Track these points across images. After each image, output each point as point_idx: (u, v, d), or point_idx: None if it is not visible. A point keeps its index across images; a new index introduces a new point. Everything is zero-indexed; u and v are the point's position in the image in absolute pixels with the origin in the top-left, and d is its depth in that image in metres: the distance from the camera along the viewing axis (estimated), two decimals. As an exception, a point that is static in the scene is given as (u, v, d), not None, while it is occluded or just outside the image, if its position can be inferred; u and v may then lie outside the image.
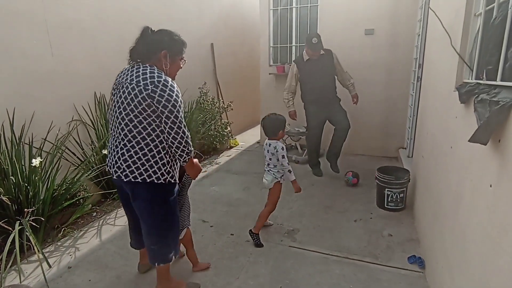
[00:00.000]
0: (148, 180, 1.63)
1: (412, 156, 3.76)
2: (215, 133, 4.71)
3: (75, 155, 3.01)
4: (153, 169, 1.63)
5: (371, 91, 4.41)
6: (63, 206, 2.60)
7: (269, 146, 2.41)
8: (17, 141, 2.46)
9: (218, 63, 5.34)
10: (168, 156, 1.67)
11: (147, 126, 1.58)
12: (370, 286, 2.00)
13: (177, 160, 1.73)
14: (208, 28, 5.06)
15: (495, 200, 1.09)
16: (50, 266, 2.24)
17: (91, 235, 2.67)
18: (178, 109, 1.57)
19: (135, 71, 1.60)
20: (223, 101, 5.09)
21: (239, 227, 2.74)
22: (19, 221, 2.13)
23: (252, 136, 5.99)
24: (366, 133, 4.60)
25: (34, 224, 2.21)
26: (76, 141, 3.03)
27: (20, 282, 2.02)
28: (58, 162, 2.66)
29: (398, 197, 2.88)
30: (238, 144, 5.42)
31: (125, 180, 1.64)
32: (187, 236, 2.09)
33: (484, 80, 1.37)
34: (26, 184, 2.32)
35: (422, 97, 3.06)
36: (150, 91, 1.52)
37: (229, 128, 5.00)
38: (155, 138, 1.61)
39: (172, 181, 1.72)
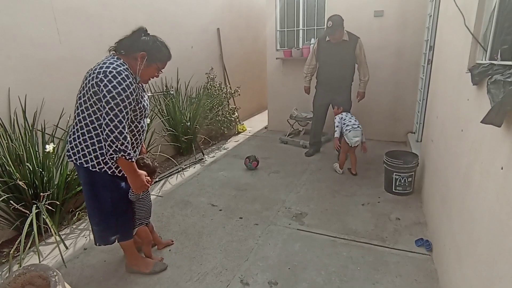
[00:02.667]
0: (84, 166, 1.69)
1: (421, 141, 3.72)
2: (223, 118, 4.72)
3: (86, 141, 3.06)
4: (90, 156, 1.68)
5: (379, 75, 4.34)
6: (76, 190, 2.67)
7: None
8: (30, 127, 2.51)
9: (225, 48, 5.29)
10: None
11: (91, 113, 1.62)
12: (377, 268, 2.04)
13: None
14: (214, 13, 4.99)
15: (506, 182, 1.09)
16: (66, 248, 2.33)
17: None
18: (117, 102, 1.54)
19: (103, 60, 1.64)
20: (230, 87, 5.07)
21: (248, 211, 2.79)
22: (35, 205, 2.20)
23: (259, 121, 5.99)
24: (374, 117, 4.56)
25: (50, 207, 2.29)
26: (87, 128, 3.08)
27: (39, 262, 2.11)
28: (70, 148, 2.71)
29: (406, 181, 2.88)
30: (245, 130, 5.43)
31: (68, 160, 1.76)
32: (141, 234, 2.08)
33: (498, 61, 1.34)
34: (40, 170, 2.38)
35: (433, 80, 3.00)
36: (98, 79, 1.54)
37: (236, 114, 5.00)
38: (98, 127, 1.64)
39: (109, 172, 1.73)
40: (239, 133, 5.31)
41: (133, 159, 1.65)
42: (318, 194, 3.06)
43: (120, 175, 1.78)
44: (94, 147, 1.67)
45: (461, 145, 1.70)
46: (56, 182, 2.49)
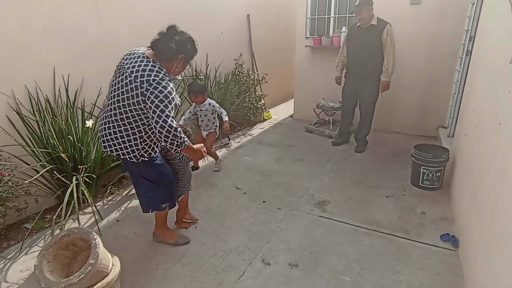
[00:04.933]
0: (121, 157, 1.83)
1: (453, 136, 3.59)
2: (249, 105, 4.76)
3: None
4: (126, 150, 1.80)
5: (410, 65, 4.18)
6: (110, 166, 2.84)
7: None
8: (72, 105, 2.68)
9: (254, 35, 5.29)
10: (143, 144, 1.81)
11: (132, 115, 1.71)
12: (399, 259, 2.03)
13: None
14: (245, -2, 4.98)
15: (544, 175, 1.06)
16: (102, 218, 2.50)
17: (134, 194, 2.91)
18: (166, 104, 1.62)
19: (138, 63, 1.69)
20: (257, 74, 5.08)
21: (271, 195, 2.84)
22: (75, 176, 2.37)
23: (285, 110, 5.98)
24: (403, 110, 4.43)
25: (87, 180, 2.46)
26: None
27: (77, 230, 2.29)
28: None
29: (435, 176, 2.81)
30: (271, 117, 5.45)
31: (104, 150, 1.89)
32: (183, 201, 2.32)
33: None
34: (80, 144, 2.55)
35: (471, 72, 2.87)
36: (144, 89, 1.62)
37: (263, 101, 5.03)
38: (135, 127, 1.75)
39: (141, 159, 1.85)
40: (264, 120, 5.34)
41: (188, 144, 1.78)
42: (341, 183, 3.06)
43: (152, 156, 1.89)
44: (130, 143, 1.78)
45: (497, 139, 1.64)
46: (92, 157, 2.65)
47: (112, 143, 1.81)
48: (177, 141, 1.69)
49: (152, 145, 1.87)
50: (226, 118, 3.24)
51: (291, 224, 2.42)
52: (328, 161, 3.60)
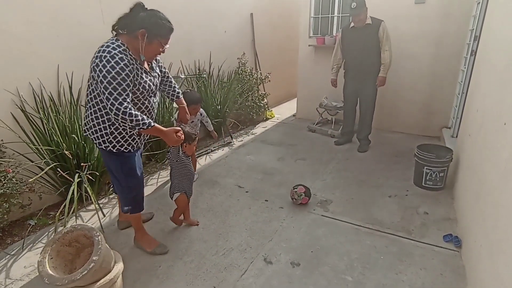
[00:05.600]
0: (95, 142, 1.81)
1: (457, 136, 3.57)
2: (252, 104, 4.77)
3: (123, 118, 3.23)
4: (96, 135, 1.77)
5: (414, 65, 4.16)
6: (113, 164, 2.84)
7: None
8: (75, 102, 2.69)
9: (257, 34, 5.28)
10: (112, 127, 1.74)
11: (96, 96, 1.68)
12: (401, 259, 2.03)
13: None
14: (248, -3, 4.97)
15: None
16: (104, 215, 2.52)
17: (137, 192, 2.92)
18: (113, 86, 1.55)
19: (102, 44, 1.65)
20: (261, 73, 5.08)
21: (273, 194, 2.84)
22: (78, 174, 2.39)
23: (288, 109, 5.98)
24: (406, 109, 4.40)
25: (90, 177, 2.47)
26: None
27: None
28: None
29: (438, 176, 2.80)
30: (274, 116, 5.45)
31: (84, 134, 1.91)
32: (179, 202, 2.25)
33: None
34: (83, 142, 2.56)
35: (475, 72, 2.85)
36: (95, 64, 1.58)
37: (265, 100, 5.03)
38: (102, 108, 1.70)
39: (114, 151, 1.80)
40: (267, 119, 5.34)
41: (151, 124, 1.68)
42: (344, 183, 3.05)
43: (127, 151, 1.84)
44: (99, 127, 1.75)
45: (502, 139, 1.63)
46: (96, 155, 2.67)
47: (88, 127, 1.81)
48: (128, 124, 1.61)
49: (124, 134, 1.79)
50: (211, 128, 3.20)
51: (293, 223, 2.42)
52: (330, 160, 3.60)
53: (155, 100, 1.92)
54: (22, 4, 2.33)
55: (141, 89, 1.74)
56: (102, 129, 1.75)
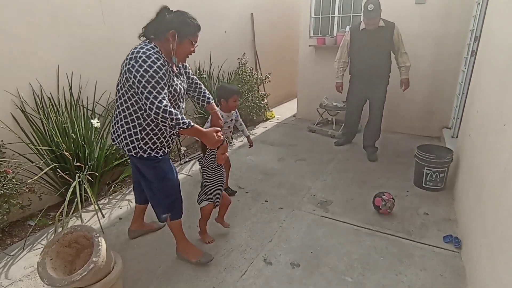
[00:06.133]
0: (125, 149, 1.76)
1: (457, 137, 3.57)
2: (252, 104, 4.76)
3: (123, 119, 3.23)
4: (126, 141, 1.73)
5: (415, 66, 4.11)
6: (113, 165, 2.85)
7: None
8: (75, 103, 2.69)
9: (257, 34, 5.28)
10: (143, 133, 1.71)
11: (127, 99, 1.66)
12: (401, 259, 2.03)
13: (167, 133, 1.78)
14: (249, -3, 4.97)
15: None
16: (103, 216, 2.52)
17: (137, 192, 2.92)
18: (153, 85, 1.53)
19: (134, 47, 1.64)
20: (261, 73, 5.08)
21: (273, 194, 2.84)
22: (78, 175, 2.39)
23: (288, 109, 5.97)
24: (407, 110, 4.40)
25: (90, 178, 2.47)
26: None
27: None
28: (109, 125, 2.88)
29: (438, 176, 2.79)
30: (274, 117, 5.45)
31: (112, 143, 1.86)
32: (204, 210, 2.13)
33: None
34: (83, 143, 2.56)
35: (476, 73, 2.85)
36: (130, 65, 1.56)
37: (266, 100, 5.02)
38: (133, 113, 1.68)
39: (145, 156, 1.75)
40: (267, 119, 5.34)
41: (191, 124, 1.63)
42: (344, 183, 3.05)
43: (158, 155, 1.79)
44: (130, 132, 1.71)
45: (502, 140, 1.63)
46: (96, 155, 2.67)
47: (117, 135, 1.77)
48: (168, 123, 1.57)
49: (154, 139, 1.75)
50: (247, 133, 2.85)
51: (293, 223, 2.42)
52: (331, 160, 3.59)
53: (183, 106, 1.88)
54: (22, 4, 2.33)
55: (173, 92, 1.71)
56: (133, 134, 1.71)
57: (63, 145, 2.43)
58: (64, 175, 2.33)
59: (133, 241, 2.24)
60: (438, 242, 2.18)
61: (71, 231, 1.55)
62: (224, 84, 2.66)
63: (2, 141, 2.26)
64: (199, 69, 4.16)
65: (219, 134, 1.77)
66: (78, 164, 2.49)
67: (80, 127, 2.61)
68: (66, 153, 2.37)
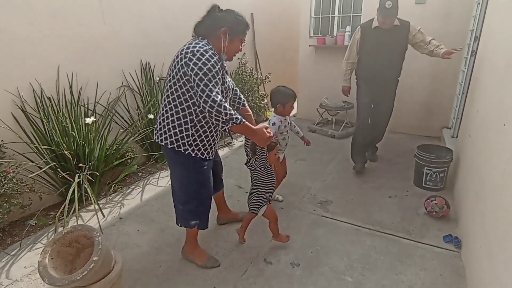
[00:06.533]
0: (169, 146, 1.72)
1: (457, 137, 3.57)
2: (253, 104, 4.76)
3: (123, 118, 3.23)
4: (176, 137, 1.70)
5: (415, 66, 4.13)
6: (113, 164, 2.85)
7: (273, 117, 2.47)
8: (75, 103, 2.69)
9: (257, 34, 5.28)
10: (193, 129, 1.69)
11: (181, 94, 1.64)
12: (401, 259, 2.03)
13: (216, 133, 1.76)
14: (249, -3, 4.97)
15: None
16: (104, 216, 2.52)
17: (137, 192, 2.92)
18: (209, 78, 1.53)
19: (189, 42, 1.64)
20: (261, 73, 5.08)
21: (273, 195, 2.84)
22: (78, 174, 2.39)
23: (287, 109, 5.97)
24: (408, 110, 4.40)
25: (90, 178, 2.47)
26: (124, 106, 3.25)
27: (81, 227, 2.30)
28: (109, 124, 2.88)
29: (438, 176, 2.80)
30: (273, 117, 5.44)
31: (155, 141, 1.80)
32: (269, 214, 2.07)
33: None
34: (83, 142, 2.56)
35: (475, 73, 2.85)
36: (187, 59, 1.55)
37: (266, 100, 5.03)
38: (186, 108, 1.65)
39: (193, 155, 1.73)
40: (267, 119, 5.33)
41: (242, 121, 1.60)
42: (344, 183, 3.05)
43: (203, 157, 1.78)
44: (181, 128, 1.68)
45: (502, 140, 1.63)
46: (96, 155, 2.67)
47: (164, 130, 1.73)
48: (222, 118, 1.53)
49: (203, 137, 1.73)
50: (301, 133, 2.69)
51: (293, 223, 2.42)
52: (330, 160, 3.60)
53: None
54: (22, 4, 2.33)
55: (224, 90, 1.71)
56: (184, 130, 1.68)
57: (63, 144, 2.43)
58: (64, 175, 2.33)
59: (133, 240, 2.24)
60: (438, 242, 2.18)
61: (71, 230, 1.55)
62: (281, 88, 2.51)
63: (2, 140, 2.26)
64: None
65: (268, 130, 1.74)
66: (78, 163, 2.50)
67: (80, 126, 2.61)
68: (66, 152, 2.37)
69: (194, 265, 1.99)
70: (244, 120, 1.62)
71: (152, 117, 3.18)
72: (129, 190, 2.96)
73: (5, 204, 2.09)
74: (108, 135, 2.80)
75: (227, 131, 1.67)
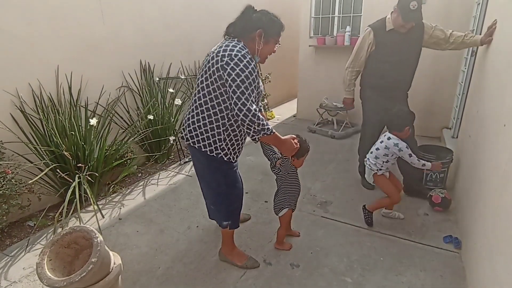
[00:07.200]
0: (202, 150, 1.68)
1: (457, 137, 3.56)
2: (252, 104, 4.75)
3: (122, 119, 3.23)
4: (209, 141, 1.66)
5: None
6: (113, 165, 2.85)
7: (388, 140, 2.23)
8: (75, 103, 2.69)
9: (257, 34, 5.27)
10: (225, 133, 1.65)
11: (214, 98, 1.59)
12: (401, 260, 2.02)
13: (245, 136, 1.74)
14: (249, -3, 4.97)
15: (549, 178, 1.04)
16: (103, 217, 2.51)
17: (137, 193, 2.92)
18: (246, 86, 1.48)
19: (224, 43, 1.59)
20: (261, 73, 5.07)
21: (273, 195, 2.83)
22: (77, 175, 2.38)
23: (288, 109, 5.97)
24: (408, 110, 4.40)
25: (89, 179, 2.47)
26: (124, 106, 3.24)
27: (80, 228, 2.30)
28: (109, 125, 2.88)
29: (438, 177, 2.79)
30: (274, 117, 5.45)
31: (186, 142, 1.77)
32: (285, 218, 2.08)
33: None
34: (82, 143, 2.56)
35: (476, 73, 2.84)
36: (224, 63, 1.49)
37: (266, 100, 5.02)
38: (218, 112, 1.61)
39: (225, 159, 1.71)
40: (267, 120, 5.32)
41: (273, 131, 1.60)
42: (344, 184, 3.04)
43: (234, 162, 1.78)
44: (213, 132, 1.64)
45: (502, 140, 1.62)
46: (96, 156, 2.66)
47: (195, 134, 1.68)
48: (254, 128, 1.52)
49: (234, 141, 1.71)
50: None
51: (293, 224, 2.40)
52: (331, 161, 3.59)
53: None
54: (22, 4, 2.33)
55: (259, 93, 1.67)
56: (216, 134, 1.64)
57: (63, 145, 2.43)
58: (63, 176, 2.33)
59: (133, 241, 2.24)
60: (438, 243, 2.17)
61: (70, 231, 1.55)
62: (406, 109, 2.36)
63: (1, 141, 2.26)
64: (199, 69, 4.15)
65: (295, 141, 1.75)
66: (77, 164, 2.49)
67: (80, 127, 2.60)
68: (65, 153, 2.37)
69: (193, 266, 1.99)
70: (274, 131, 1.61)
71: (152, 118, 3.17)
72: (128, 191, 2.96)
73: (4, 205, 2.08)
74: (107, 135, 2.80)
75: (257, 140, 1.63)
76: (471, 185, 2.18)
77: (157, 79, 3.51)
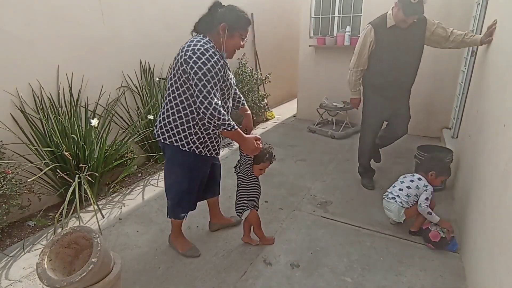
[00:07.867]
0: (174, 144, 1.74)
1: (457, 137, 3.56)
2: (252, 104, 4.76)
3: (122, 119, 3.23)
4: (179, 136, 1.72)
5: (416, 66, 4.15)
6: (113, 165, 2.85)
7: (419, 180, 2.26)
8: (75, 103, 2.69)
9: (257, 34, 5.28)
10: (196, 127, 1.71)
11: (181, 93, 1.65)
12: (401, 260, 2.02)
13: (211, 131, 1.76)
14: (249, -3, 4.97)
15: (549, 178, 1.04)
16: (103, 217, 2.51)
17: (137, 193, 2.92)
18: (207, 78, 1.53)
19: (190, 40, 1.65)
20: (261, 73, 5.08)
21: (273, 195, 2.84)
22: (77, 175, 2.38)
23: (288, 109, 5.97)
24: (408, 110, 4.39)
25: (89, 179, 2.47)
26: (124, 106, 3.24)
27: (80, 228, 2.30)
28: (109, 125, 2.88)
29: (438, 177, 2.78)
30: (274, 117, 5.45)
31: (157, 139, 1.82)
32: (252, 219, 2.09)
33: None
34: (82, 143, 2.56)
35: (476, 73, 2.84)
36: (187, 57, 1.55)
37: (266, 101, 5.02)
38: (187, 107, 1.67)
39: (197, 152, 1.76)
40: (267, 120, 5.34)
41: (235, 127, 1.63)
42: (344, 184, 3.05)
43: (205, 155, 1.82)
44: (183, 127, 1.70)
45: (502, 140, 1.62)
46: (96, 156, 2.66)
47: (165, 129, 1.74)
48: (215, 122, 1.56)
49: (206, 136, 1.76)
50: None
51: (292, 224, 2.42)
52: (331, 161, 3.59)
53: (229, 104, 1.86)
54: (22, 4, 2.33)
55: (228, 86, 1.72)
56: (186, 128, 1.70)
57: (63, 145, 2.43)
58: (64, 176, 2.33)
59: (133, 241, 2.24)
60: (438, 242, 2.17)
61: (70, 231, 1.55)
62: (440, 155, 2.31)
63: (1, 141, 2.25)
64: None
65: (258, 142, 1.76)
66: (78, 164, 2.49)
67: (80, 127, 2.60)
68: (66, 153, 2.37)
69: (194, 266, 1.99)
70: (236, 127, 1.64)
71: (152, 118, 3.17)
72: (128, 191, 2.96)
73: (4, 205, 2.08)
74: (107, 135, 2.80)
75: (219, 132, 1.69)
76: (471, 185, 2.18)
77: (157, 79, 3.51)
